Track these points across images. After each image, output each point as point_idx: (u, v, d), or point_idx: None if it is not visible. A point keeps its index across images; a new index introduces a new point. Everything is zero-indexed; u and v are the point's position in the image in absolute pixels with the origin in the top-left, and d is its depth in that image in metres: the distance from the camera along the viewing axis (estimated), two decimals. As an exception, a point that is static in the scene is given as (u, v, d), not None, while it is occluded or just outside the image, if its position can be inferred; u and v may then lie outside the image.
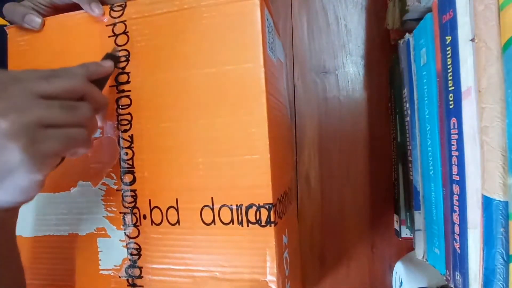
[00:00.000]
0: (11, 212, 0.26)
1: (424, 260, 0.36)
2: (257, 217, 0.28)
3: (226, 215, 0.29)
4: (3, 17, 0.33)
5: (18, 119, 0.21)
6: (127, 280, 0.32)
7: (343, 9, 0.49)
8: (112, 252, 0.32)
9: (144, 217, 0.31)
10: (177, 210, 0.30)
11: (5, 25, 0.34)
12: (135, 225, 0.31)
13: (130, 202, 0.31)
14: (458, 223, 0.28)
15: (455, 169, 0.28)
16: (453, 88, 0.28)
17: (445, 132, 0.29)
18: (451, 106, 0.28)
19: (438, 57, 0.30)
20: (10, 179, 0.21)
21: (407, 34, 0.37)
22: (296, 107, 0.50)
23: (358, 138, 0.49)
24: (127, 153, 0.31)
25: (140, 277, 0.31)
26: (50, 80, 0.24)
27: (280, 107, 0.36)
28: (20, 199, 0.24)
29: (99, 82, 0.28)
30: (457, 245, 0.28)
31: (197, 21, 0.30)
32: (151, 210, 0.31)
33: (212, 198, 0.29)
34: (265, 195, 0.28)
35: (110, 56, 0.31)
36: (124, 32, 0.31)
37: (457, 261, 0.28)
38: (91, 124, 0.26)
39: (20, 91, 0.22)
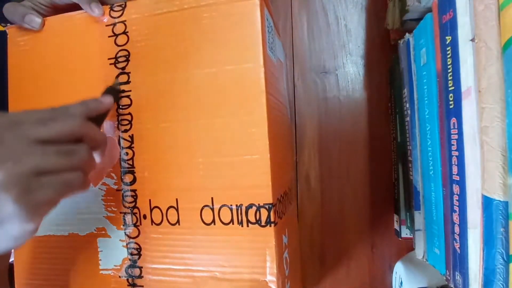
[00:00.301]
0: (3, 257, 0.25)
1: (424, 260, 0.36)
2: (257, 217, 0.28)
3: (226, 215, 0.29)
4: (3, 18, 0.33)
5: (12, 169, 0.21)
6: (127, 280, 0.32)
7: (343, 9, 0.49)
8: (112, 252, 0.32)
9: (144, 217, 0.31)
10: (177, 210, 0.30)
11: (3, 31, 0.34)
12: (135, 225, 0.31)
13: (130, 202, 0.31)
14: (458, 223, 0.28)
15: (455, 169, 0.28)
16: (453, 88, 0.28)
17: (445, 132, 0.29)
18: (451, 106, 0.28)
19: (438, 57, 0.30)
20: (2, 229, 0.21)
21: (407, 34, 0.37)
22: (296, 107, 0.50)
23: (358, 138, 0.49)
24: (127, 153, 0.31)
25: (140, 277, 0.31)
26: (48, 123, 0.23)
27: (280, 107, 0.36)
28: (12, 246, 0.23)
29: (97, 118, 0.28)
30: (457, 245, 0.28)
31: (197, 21, 0.30)
32: (151, 210, 0.31)
33: (212, 198, 0.29)
34: (265, 195, 0.28)
35: (110, 90, 0.30)
36: (124, 32, 0.31)
37: (457, 261, 0.28)
38: (89, 166, 0.26)
39: (16, 137, 0.22)
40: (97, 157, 0.27)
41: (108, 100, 0.29)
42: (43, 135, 0.23)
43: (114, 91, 0.31)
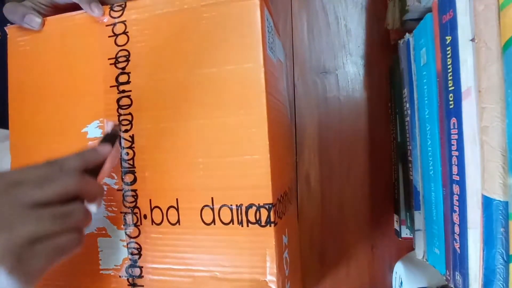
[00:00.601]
0: None
1: (424, 260, 0.36)
2: (257, 217, 0.28)
3: (226, 215, 0.29)
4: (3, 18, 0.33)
5: (7, 240, 0.21)
6: (128, 279, 0.32)
7: (343, 9, 0.49)
8: (112, 252, 0.32)
9: (145, 216, 0.31)
10: (177, 210, 0.30)
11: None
12: (135, 225, 0.31)
13: (131, 202, 0.31)
14: (458, 223, 0.28)
15: (455, 169, 0.28)
16: (453, 88, 0.28)
17: (445, 132, 0.29)
18: (451, 106, 0.28)
19: (438, 57, 0.30)
20: None
21: (407, 34, 0.37)
22: (296, 107, 0.50)
23: (358, 138, 0.49)
24: (128, 153, 0.31)
25: (140, 276, 0.31)
26: (43, 185, 0.23)
27: (280, 107, 0.36)
28: None
29: (95, 168, 0.28)
30: (457, 245, 0.28)
31: (197, 21, 0.30)
32: (151, 210, 0.31)
33: (212, 198, 0.29)
34: (265, 195, 0.28)
35: (109, 137, 0.30)
36: (124, 32, 0.31)
37: (457, 261, 0.28)
38: (85, 223, 0.26)
39: (11, 203, 0.22)
40: (93, 208, 0.27)
41: (106, 149, 0.29)
42: (38, 199, 0.23)
43: (113, 137, 0.30)
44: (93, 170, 0.27)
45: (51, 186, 0.24)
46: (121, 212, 0.32)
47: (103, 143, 0.29)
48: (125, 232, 0.32)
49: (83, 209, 0.25)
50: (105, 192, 0.32)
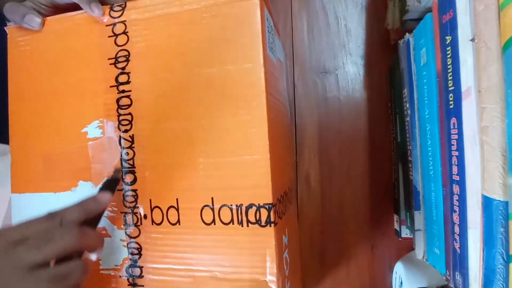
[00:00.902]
0: None
1: (424, 260, 0.36)
2: (257, 217, 0.28)
3: (226, 215, 0.29)
4: (3, 17, 0.33)
5: None
6: (128, 279, 0.32)
7: (343, 9, 0.49)
8: (112, 252, 0.32)
9: (145, 216, 0.31)
10: (177, 210, 0.30)
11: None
12: (135, 225, 0.31)
13: (131, 202, 0.31)
14: (458, 223, 0.28)
15: (455, 169, 0.28)
16: (453, 88, 0.28)
17: (445, 132, 0.29)
18: (451, 106, 0.28)
19: (438, 57, 0.30)
20: None
21: (407, 34, 0.37)
22: (296, 107, 0.50)
23: (358, 138, 0.49)
24: (128, 153, 0.31)
25: (140, 276, 0.31)
26: (42, 246, 0.24)
27: (280, 107, 0.36)
28: None
29: (95, 217, 0.28)
30: (457, 245, 0.28)
31: (197, 21, 0.30)
32: (151, 210, 0.31)
33: (212, 198, 0.29)
34: (265, 195, 0.28)
35: (109, 183, 0.30)
36: (124, 32, 0.31)
37: (457, 261, 0.28)
38: (83, 280, 0.26)
39: (11, 265, 0.22)
40: (93, 257, 0.28)
41: (106, 198, 0.29)
42: (37, 260, 0.23)
43: (113, 183, 0.30)
44: (93, 220, 0.28)
45: (50, 245, 0.24)
46: (121, 212, 0.32)
47: (104, 191, 0.29)
48: (125, 232, 0.32)
49: (81, 267, 0.26)
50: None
